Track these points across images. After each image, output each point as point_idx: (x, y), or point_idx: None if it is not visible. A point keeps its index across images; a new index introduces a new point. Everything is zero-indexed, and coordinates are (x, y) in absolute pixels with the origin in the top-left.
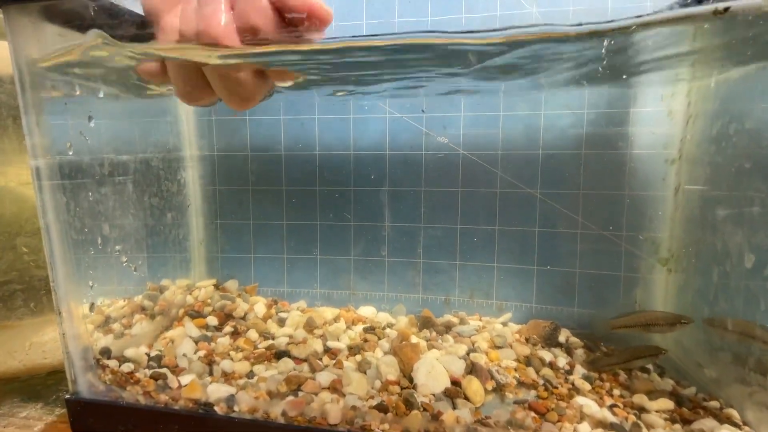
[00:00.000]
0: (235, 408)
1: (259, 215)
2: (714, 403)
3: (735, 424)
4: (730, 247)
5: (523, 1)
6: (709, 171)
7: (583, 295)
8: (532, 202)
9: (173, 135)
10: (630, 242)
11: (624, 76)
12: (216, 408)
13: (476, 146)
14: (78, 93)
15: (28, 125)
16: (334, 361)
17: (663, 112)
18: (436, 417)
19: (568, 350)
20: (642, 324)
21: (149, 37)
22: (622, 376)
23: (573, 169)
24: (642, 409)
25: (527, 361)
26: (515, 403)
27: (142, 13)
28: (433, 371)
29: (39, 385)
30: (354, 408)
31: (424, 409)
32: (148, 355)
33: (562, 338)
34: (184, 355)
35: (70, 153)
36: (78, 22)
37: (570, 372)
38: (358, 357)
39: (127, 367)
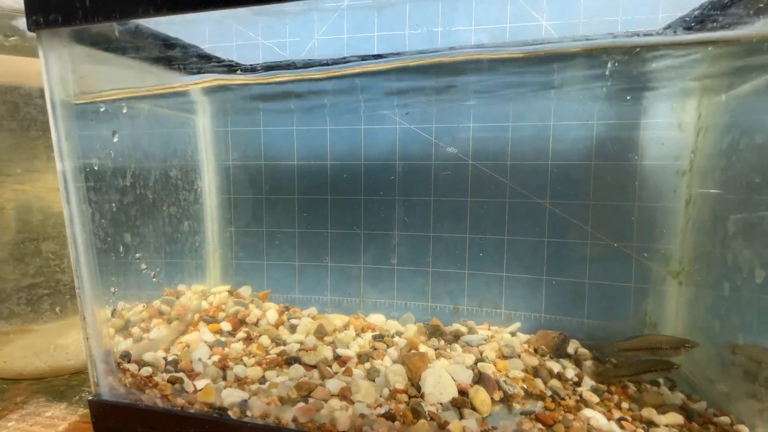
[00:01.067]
0: (248, 413)
1: (272, 223)
2: (725, 419)
3: None
4: (740, 261)
5: (534, 14)
6: (719, 184)
7: (593, 306)
8: (541, 212)
9: (191, 146)
10: (640, 254)
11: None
12: (229, 412)
13: (485, 156)
14: (103, 109)
15: (57, 138)
16: (343, 369)
17: (673, 124)
18: (442, 426)
19: (577, 361)
20: (647, 347)
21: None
22: (632, 389)
23: (583, 180)
24: (651, 423)
25: (535, 371)
26: (522, 414)
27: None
28: (441, 381)
29: (63, 385)
30: (362, 416)
31: (431, 419)
32: (165, 359)
33: (571, 349)
34: (200, 359)
35: (95, 165)
36: (105, 44)
37: (578, 383)
38: (367, 365)
39: (145, 371)
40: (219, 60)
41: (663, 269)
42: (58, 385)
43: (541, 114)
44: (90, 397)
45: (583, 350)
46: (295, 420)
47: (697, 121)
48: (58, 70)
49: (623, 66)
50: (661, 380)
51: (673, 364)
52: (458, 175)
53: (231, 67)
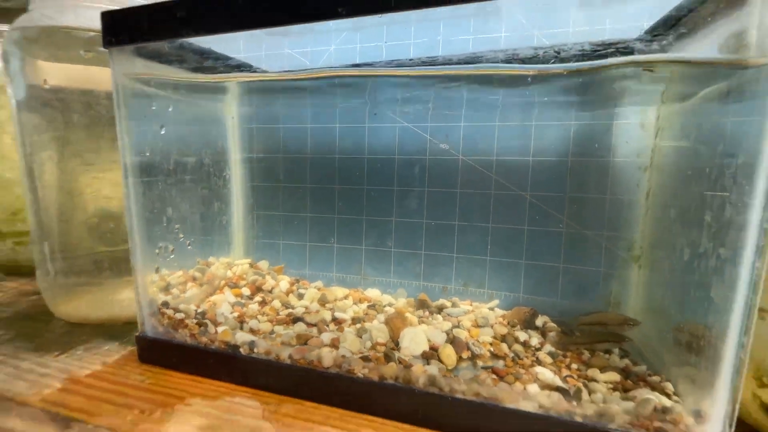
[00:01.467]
0: (255, 350)
1: (288, 208)
2: (656, 378)
3: (666, 394)
4: (676, 245)
5: (525, 23)
6: (667, 178)
7: (566, 288)
8: (522, 203)
9: (222, 139)
10: (608, 241)
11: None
12: (241, 349)
13: (473, 152)
14: (154, 108)
15: (120, 132)
16: (337, 327)
17: (637, 125)
18: (407, 367)
19: (543, 333)
20: (600, 323)
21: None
22: (586, 355)
23: (560, 175)
24: (592, 380)
25: (503, 338)
26: (482, 368)
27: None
28: (416, 338)
29: (117, 330)
30: (344, 357)
31: (400, 362)
32: (195, 310)
33: (539, 322)
34: (222, 313)
35: (147, 152)
36: (157, 57)
37: (539, 349)
38: (358, 325)
39: (179, 316)
40: (240, 68)
41: (626, 255)
42: (114, 329)
43: (524, 115)
44: (137, 334)
45: (550, 324)
46: (290, 357)
47: (656, 122)
48: (123, 78)
49: (599, 75)
50: (616, 350)
51: (624, 336)
52: (449, 169)
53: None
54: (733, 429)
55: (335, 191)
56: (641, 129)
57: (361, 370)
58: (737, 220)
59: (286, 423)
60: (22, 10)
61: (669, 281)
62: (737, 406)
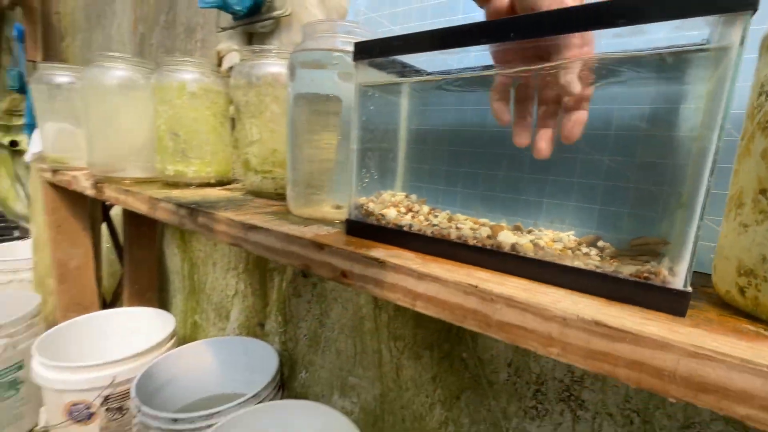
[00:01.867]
0: (411, 229)
1: (430, 163)
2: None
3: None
4: (693, 186)
5: None
6: (701, 144)
7: (629, 227)
8: (600, 165)
9: (397, 116)
10: (665, 194)
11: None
12: (404, 228)
13: None
14: (369, 94)
15: (357, 121)
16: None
17: (693, 108)
18: (499, 241)
19: (602, 250)
20: (644, 243)
21: (407, 73)
22: (628, 261)
23: (633, 144)
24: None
25: (569, 249)
26: None
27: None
28: (507, 237)
29: (328, 223)
30: (462, 234)
31: (495, 239)
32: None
33: (600, 244)
34: (391, 216)
35: (364, 118)
36: (379, 68)
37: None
38: (472, 231)
39: (370, 210)
40: (417, 72)
41: (676, 203)
42: (325, 222)
43: (609, 98)
44: (346, 219)
45: (608, 245)
46: (432, 233)
47: (703, 104)
48: (361, 79)
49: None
50: (652, 262)
51: (659, 252)
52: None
53: (425, 74)
54: (690, 279)
55: (464, 152)
56: (695, 111)
57: (471, 242)
58: (708, 156)
59: (428, 261)
60: (269, 33)
61: (688, 212)
62: (693, 265)
